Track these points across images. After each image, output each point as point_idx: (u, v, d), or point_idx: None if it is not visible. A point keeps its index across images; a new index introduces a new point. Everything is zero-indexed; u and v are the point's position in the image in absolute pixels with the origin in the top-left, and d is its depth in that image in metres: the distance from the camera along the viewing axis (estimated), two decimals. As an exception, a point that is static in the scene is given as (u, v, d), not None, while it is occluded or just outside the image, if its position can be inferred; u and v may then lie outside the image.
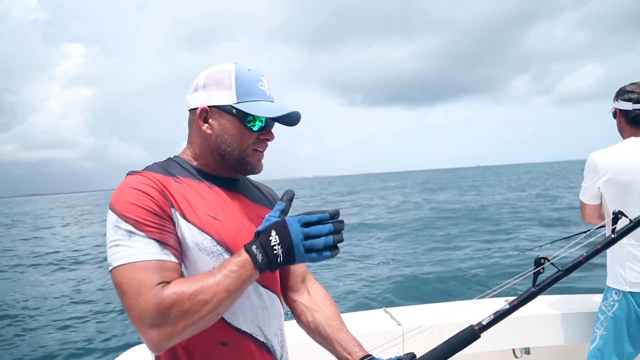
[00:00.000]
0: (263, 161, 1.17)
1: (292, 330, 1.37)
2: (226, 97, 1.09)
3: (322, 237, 0.93)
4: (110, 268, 0.94)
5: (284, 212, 0.99)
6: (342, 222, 0.96)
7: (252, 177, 1.28)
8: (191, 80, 1.17)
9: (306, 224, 0.93)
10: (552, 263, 1.09)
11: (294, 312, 1.31)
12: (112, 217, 0.96)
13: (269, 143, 1.17)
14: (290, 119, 1.16)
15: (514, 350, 2.43)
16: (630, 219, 1.18)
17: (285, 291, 1.31)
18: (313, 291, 1.31)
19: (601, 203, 2.14)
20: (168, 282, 0.92)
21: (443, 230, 14.60)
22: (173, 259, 0.96)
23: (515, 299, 1.10)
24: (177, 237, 1.00)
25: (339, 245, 0.95)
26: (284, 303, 1.25)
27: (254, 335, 1.08)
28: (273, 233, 0.92)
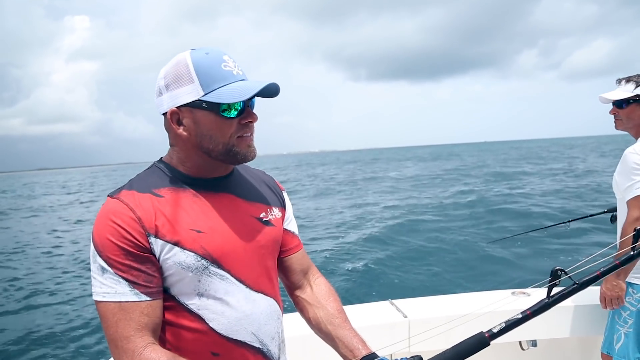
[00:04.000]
0: (255, 144, 1.09)
1: (294, 323, 1.35)
2: (191, 92, 1.00)
3: None
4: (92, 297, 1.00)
5: None
6: None
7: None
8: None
9: None
10: (569, 276, 1.07)
11: (297, 307, 1.29)
12: (92, 247, 0.99)
13: (254, 125, 1.08)
14: (269, 91, 1.05)
15: (520, 343, 2.43)
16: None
17: (287, 286, 1.29)
18: (316, 286, 1.28)
19: None
20: (145, 328, 0.96)
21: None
22: (143, 297, 0.97)
23: (528, 309, 1.09)
24: (153, 271, 0.99)
25: None
26: (281, 305, 1.22)
27: (247, 342, 1.07)
28: None
